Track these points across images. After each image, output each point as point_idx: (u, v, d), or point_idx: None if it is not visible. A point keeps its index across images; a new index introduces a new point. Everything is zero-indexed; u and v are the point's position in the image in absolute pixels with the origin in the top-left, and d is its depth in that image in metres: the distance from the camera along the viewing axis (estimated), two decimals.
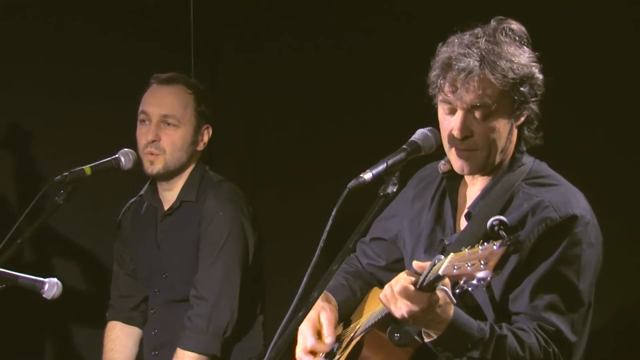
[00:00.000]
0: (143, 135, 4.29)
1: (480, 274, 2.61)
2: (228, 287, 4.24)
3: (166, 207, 4.40)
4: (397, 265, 3.44)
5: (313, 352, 3.28)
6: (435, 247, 3.20)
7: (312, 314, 3.28)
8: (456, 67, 3.00)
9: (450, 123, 3.07)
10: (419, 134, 3.05)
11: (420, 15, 4.88)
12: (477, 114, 3.03)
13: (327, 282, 2.89)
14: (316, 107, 5.23)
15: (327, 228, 2.87)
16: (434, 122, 3.10)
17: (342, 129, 5.15)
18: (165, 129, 4.27)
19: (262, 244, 4.40)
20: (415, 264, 2.90)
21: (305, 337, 3.27)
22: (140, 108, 4.33)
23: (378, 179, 2.95)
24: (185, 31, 5.47)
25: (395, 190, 2.97)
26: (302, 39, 5.28)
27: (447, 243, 3.16)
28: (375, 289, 3.47)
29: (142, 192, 4.50)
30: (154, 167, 4.28)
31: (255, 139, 5.49)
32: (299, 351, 3.28)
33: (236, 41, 5.54)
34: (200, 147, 4.35)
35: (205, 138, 4.35)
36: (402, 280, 2.85)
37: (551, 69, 3.11)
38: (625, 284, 4.28)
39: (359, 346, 3.14)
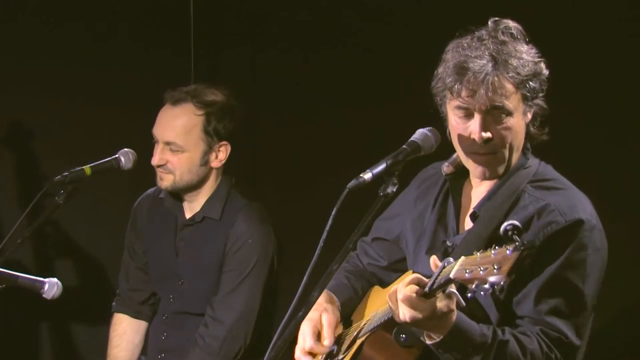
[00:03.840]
0: (153, 155, 4.26)
1: (493, 278, 2.59)
2: (247, 313, 4.21)
3: (187, 216, 4.36)
4: (399, 266, 3.44)
5: (312, 353, 3.28)
6: (437, 248, 3.19)
7: (314, 314, 3.28)
8: (472, 70, 2.98)
9: (467, 128, 3.06)
10: (419, 133, 3.04)
11: (421, 18, 4.88)
12: (495, 115, 3.02)
13: (327, 282, 2.90)
14: (316, 107, 5.23)
15: (327, 228, 2.87)
16: (433, 123, 3.09)
17: (342, 129, 5.15)
18: (170, 152, 4.22)
19: (280, 262, 4.34)
20: (433, 261, 2.88)
21: (304, 337, 3.27)
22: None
23: (378, 179, 2.95)
24: (185, 31, 5.47)
25: (395, 190, 2.97)
26: (302, 40, 5.28)
27: (449, 244, 3.16)
28: (376, 287, 3.46)
29: (162, 195, 4.44)
30: (162, 182, 4.27)
31: (255, 139, 5.49)
32: (298, 351, 3.28)
33: (236, 41, 5.54)
34: (216, 164, 4.27)
35: (222, 155, 4.27)
36: (407, 289, 2.84)
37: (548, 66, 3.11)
38: (625, 285, 4.28)
39: (363, 346, 3.13)
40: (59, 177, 3.81)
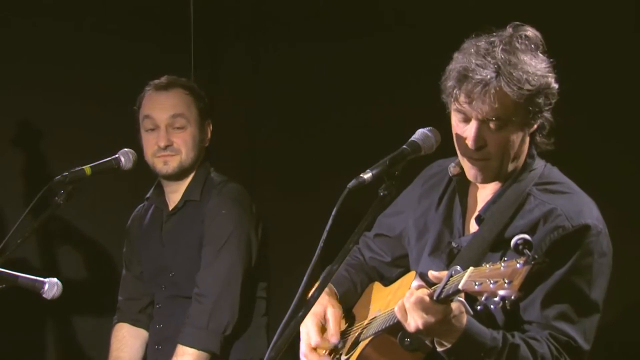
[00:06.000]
0: (152, 141, 4.33)
1: (503, 292, 2.59)
2: (229, 285, 4.25)
3: (171, 208, 4.43)
4: (401, 262, 3.45)
5: (317, 349, 3.27)
6: (442, 249, 3.20)
7: (318, 308, 3.28)
8: (472, 79, 2.96)
9: (464, 132, 3.06)
10: (419, 134, 3.04)
11: (423, 18, 4.88)
12: (492, 125, 3.01)
13: (326, 282, 2.90)
14: (316, 107, 5.24)
15: (327, 228, 2.87)
16: (434, 123, 3.09)
17: (342, 129, 5.15)
18: (174, 132, 4.32)
19: (266, 244, 4.41)
20: (431, 274, 2.90)
21: (309, 332, 3.27)
22: (144, 113, 4.36)
23: (378, 179, 2.95)
24: (185, 32, 5.47)
25: (395, 190, 2.97)
26: (302, 40, 5.29)
27: (454, 245, 3.16)
28: (377, 284, 3.46)
29: (148, 195, 4.53)
30: (168, 166, 4.33)
31: (255, 139, 5.50)
32: (304, 346, 3.27)
33: (236, 42, 5.54)
34: (207, 143, 4.42)
35: (209, 133, 4.43)
36: (417, 292, 2.84)
37: (559, 72, 3.09)
38: (625, 285, 4.28)
39: (367, 349, 3.12)
40: (58, 177, 3.81)
